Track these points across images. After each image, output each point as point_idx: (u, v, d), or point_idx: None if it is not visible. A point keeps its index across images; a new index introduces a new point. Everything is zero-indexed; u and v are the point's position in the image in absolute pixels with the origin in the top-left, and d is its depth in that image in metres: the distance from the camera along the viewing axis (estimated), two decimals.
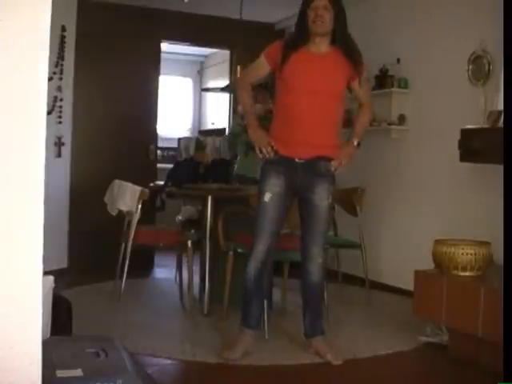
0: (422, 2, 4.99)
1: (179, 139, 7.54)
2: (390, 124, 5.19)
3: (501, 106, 3.85)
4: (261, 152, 3.43)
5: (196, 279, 4.62)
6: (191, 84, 9.14)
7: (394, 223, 5.24)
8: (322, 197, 3.44)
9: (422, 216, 4.92)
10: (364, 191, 4.87)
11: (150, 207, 4.87)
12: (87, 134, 5.86)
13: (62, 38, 5.44)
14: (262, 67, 3.51)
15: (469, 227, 4.21)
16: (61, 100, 5.50)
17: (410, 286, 3.88)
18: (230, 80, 6.67)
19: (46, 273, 1.49)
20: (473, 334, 3.34)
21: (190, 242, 4.45)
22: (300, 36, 3.40)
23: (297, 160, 3.41)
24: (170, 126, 8.63)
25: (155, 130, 6.37)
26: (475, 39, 4.37)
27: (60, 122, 5.54)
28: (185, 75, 9.04)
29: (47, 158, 1.30)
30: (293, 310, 4.35)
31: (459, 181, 4.55)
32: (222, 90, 6.47)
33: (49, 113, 5.13)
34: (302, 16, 3.38)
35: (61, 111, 5.51)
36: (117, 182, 4.72)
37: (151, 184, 5.20)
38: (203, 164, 5.33)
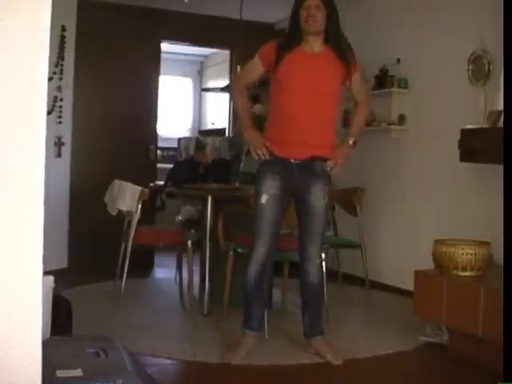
0: (422, 2, 4.99)
1: (179, 139, 7.53)
2: (389, 124, 5.18)
3: (501, 106, 3.84)
4: (256, 154, 3.43)
5: (196, 279, 4.62)
6: (191, 84, 9.14)
7: (394, 223, 5.24)
8: (318, 197, 3.42)
9: (422, 216, 4.92)
10: (364, 191, 4.87)
11: (150, 207, 4.87)
12: (87, 134, 5.86)
13: (62, 38, 5.44)
14: (256, 68, 3.50)
15: (469, 227, 4.20)
16: (61, 100, 5.50)
17: (409, 285, 3.88)
18: (230, 80, 6.68)
19: (46, 273, 1.49)
20: (473, 334, 3.34)
21: (189, 242, 4.45)
22: (293, 35, 3.40)
23: (292, 160, 3.39)
24: (169, 126, 8.63)
25: (155, 129, 6.37)
26: (475, 39, 4.37)
27: (60, 122, 5.54)
28: (185, 75, 9.04)
29: (47, 158, 1.30)
30: (293, 310, 4.35)
31: (459, 181, 4.55)
32: (222, 90, 6.47)
33: (49, 113, 5.13)
34: (295, 16, 3.38)
35: (61, 111, 5.51)
36: (117, 181, 4.72)
37: (151, 184, 5.20)
38: (203, 164, 5.34)
